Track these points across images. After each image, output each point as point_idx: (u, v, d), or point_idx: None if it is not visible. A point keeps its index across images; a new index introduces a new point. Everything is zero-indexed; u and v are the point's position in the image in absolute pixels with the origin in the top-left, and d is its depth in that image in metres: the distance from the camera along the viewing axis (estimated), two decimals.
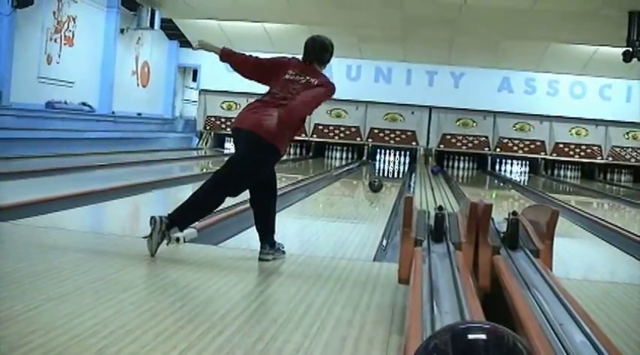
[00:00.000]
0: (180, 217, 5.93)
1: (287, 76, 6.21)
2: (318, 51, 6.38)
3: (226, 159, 6.38)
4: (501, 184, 22.58)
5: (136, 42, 24.29)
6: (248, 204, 6.28)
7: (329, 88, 6.24)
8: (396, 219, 10.03)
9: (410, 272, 4.42)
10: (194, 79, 29.42)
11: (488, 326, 2.41)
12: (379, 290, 5.23)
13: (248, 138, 5.99)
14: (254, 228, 6.20)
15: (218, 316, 4.28)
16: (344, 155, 27.21)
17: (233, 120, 6.48)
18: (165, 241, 5.77)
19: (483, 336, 2.35)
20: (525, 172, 27.34)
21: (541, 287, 3.85)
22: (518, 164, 27.76)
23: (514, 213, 4.91)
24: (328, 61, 6.51)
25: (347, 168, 22.64)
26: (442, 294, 3.55)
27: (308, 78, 6.19)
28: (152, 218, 5.78)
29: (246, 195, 6.17)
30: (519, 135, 27.04)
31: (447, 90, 26.95)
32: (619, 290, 6.19)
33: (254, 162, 6.04)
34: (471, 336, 2.37)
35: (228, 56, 6.64)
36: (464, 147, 27.22)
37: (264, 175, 6.15)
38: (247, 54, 6.62)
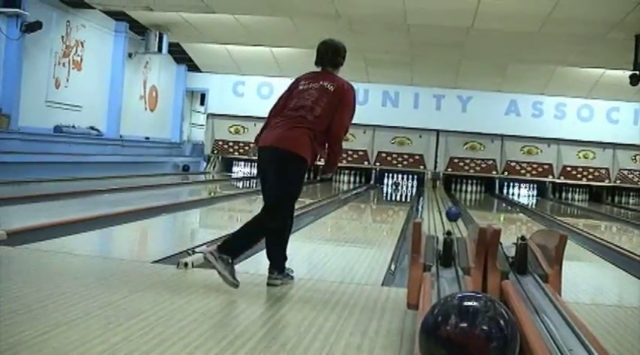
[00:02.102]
0: (230, 246, 5.86)
1: (300, 87, 6.19)
2: (331, 55, 6.34)
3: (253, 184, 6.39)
4: (509, 208, 22.53)
5: (143, 66, 24.40)
6: None
7: (349, 91, 6.17)
8: (404, 243, 10.02)
9: (419, 297, 4.42)
10: (202, 103, 29.50)
11: (480, 295, 3.22)
12: (388, 315, 5.22)
13: (273, 156, 5.96)
14: (262, 252, 6.19)
15: (227, 341, 4.27)
16: (352, 179, 27.21)
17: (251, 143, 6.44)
18: (221, 265, 5.71)
19: (476, 303, 3.08)
20: (533, 195, 27.32)
21: (550, 313, 3.84)
22: (525, 187, 27.75)
23: (522, 238, 4.90)
24: (341, 64, 6.42)
25: (355, 192, 22.63)
26: None
27: (322, 82, 6.13)
28: (205, 257, 5.81)
29: (248, 220, 6.15)
30: (527, 158, 27.04)
31: (455, 114, 26.99)
32: (628, 315, 6.16)
33: (288, 176, 5.99)
34: (466, 302, 3.10)
35: (258, 135, 6.32)
36: (471, 171, 27.22)
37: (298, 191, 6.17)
38: (269, 114, 6.35)
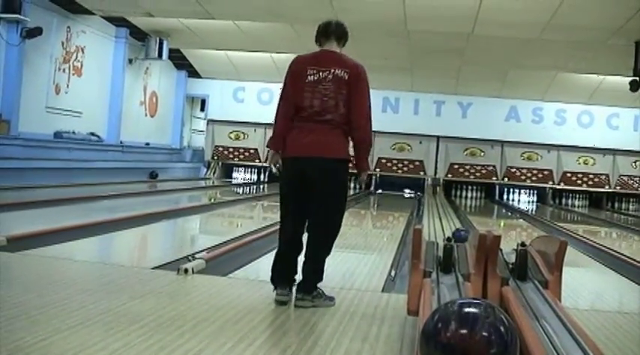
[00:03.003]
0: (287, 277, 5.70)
1: (310, 78, 5.69)
2: (336, 26, 5.95)
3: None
4: (509, 213, 22.53)
5: (144, 72, 24.42)
6: (256, 235, 6.25)
7: (364, 73, 5.84)
8: (404, 249, 10.03)
9: (419, 303, 4.42)
10: (202, 109, 29.51)
11: (481, 301, 3.23)
12: (388, 321, 5.22)
13: (317, 166, 5.63)
14: (263, 258, 6.18)
15: (227, 348, 4.28)
16: (351, 185, 27.18)
17: (273, 148, 5.90)
18: None
19: (476, 309, 3.10)
20: (533, 201, 27.33)
21: (550, 319, 3.84)
22: (526, 193, 27.77)
23: (522, 244, 4.90)
24: (346, 41, 6.06)
25: (355, 197, 22.62)
26: None
27: (333, 69, 5.68)
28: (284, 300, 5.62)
29: (251, 224, 6.15)
30: (527, 164, 27.06)
31: (455, 120, 27.01)
32: (628, 321, 6.16)
33: (338, 186, 5.81)
34: (466, 308, 3.12)
35: (276, 139, 5.86)
36: (472, 177, 27.24)
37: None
38: (279, 110, 5.87)
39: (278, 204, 5.89)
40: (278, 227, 5.96)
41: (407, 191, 24.03)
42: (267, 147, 6.00)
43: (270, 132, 5.98)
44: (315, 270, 5.69)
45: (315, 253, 5.71)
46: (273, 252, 5.91)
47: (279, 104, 5.89)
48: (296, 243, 5.77)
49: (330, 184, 5.70)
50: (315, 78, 5.67)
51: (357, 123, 5.74)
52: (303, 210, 5.74)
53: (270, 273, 5.77)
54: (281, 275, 5.69)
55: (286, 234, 5.78)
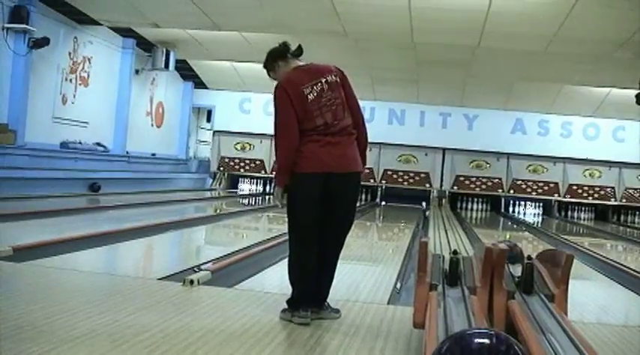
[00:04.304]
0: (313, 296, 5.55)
1: (310, 97, 5.43)
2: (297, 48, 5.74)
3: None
4: (515, 226, 22.49)
5: (150, 83, 24.46)
6: (262, 247, 6.22)
7: (343, 74, 5.67)
8: (409, 261, 10.01)
9: (425, 316, 4.41)
10: (208, 120, 29.55)
11: (492, 332, 2.96)
12: (393, 334, 5.21)
13: (347, 180, 5.52)
14: (269, 269, 6.16)
15: None
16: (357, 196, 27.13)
17: (298, 162, 5.45)
18: None
19: (487, 340, 2.88)
20: (539, 214, 27.30)
21: (556, 333, 3.83)
22: (531, 206, 27.73)
23: (529, 258, 4.90)
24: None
25: (360, 209, 22.61)
26: None
27: (322, 78, 5.50)
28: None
29: (256, 236, 6.13)
30: (533, 176, 27.03)
31: (461, 132, 27.01)
32: (634, 334, 6.14)
33: (356, 198, 5.76)
34: (477, 340, 2.90)
35: (284, 175, 5.46)
36: (477, 189, 27.22)
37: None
38: (282, 142, 5.47)
39: (285, 221, 5.71)
40: (288, 257, 5.62)
41: (424, 204, 24.06)
42: (274, 187, 5.57)
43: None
44: (328, 285, 5.67)
45: (335, 266, 5.68)
46: (279, 264, 5.89)
47: (280, 136, 5.50)
48: (316, 271, 5.55)
49: (355, 197, 5.71)
50: (315, 94, 5.43)
51: (360, 121, 5.68)
52: (320, 233, 5.55)
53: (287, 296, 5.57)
54: (308, 297, 5.47)
55: (307, 269, 5.50)
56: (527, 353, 2.99)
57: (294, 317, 5.36)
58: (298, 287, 5.49)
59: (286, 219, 5.64)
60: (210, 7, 17.40)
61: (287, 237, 5.68)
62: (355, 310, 5.99)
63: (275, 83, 5.63)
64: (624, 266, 11.19)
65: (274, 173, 5.61)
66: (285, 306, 5.52)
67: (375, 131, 25.52)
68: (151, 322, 5.00)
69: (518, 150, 26.87)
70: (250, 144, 26.97)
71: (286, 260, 5.62)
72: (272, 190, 5.48)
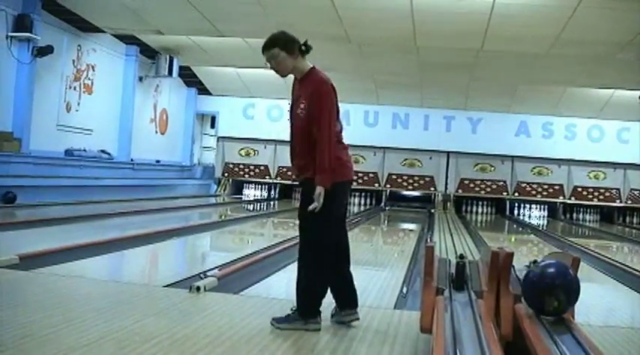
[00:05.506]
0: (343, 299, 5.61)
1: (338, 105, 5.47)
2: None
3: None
4: (520, 229, 22.47)
5: (154, 89, 24.49)
6: (268, 252, 6.21)
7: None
8: (415, 265, 10.01)
9: (432, 321, 4.41)
10: (212, 126, 29.56)
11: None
12: (400, 339, 5.21)
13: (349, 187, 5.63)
14: (274, 276, 6.16)
15: None
16: (362, 201, 27.19)
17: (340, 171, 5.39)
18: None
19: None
20: (544, 216, 27.27)
21: (563, 335, 3.84)
22: (536, 208, 27.70)
23: (535, 262, 4.89)
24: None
25: (365, 214, 22.61)
26: (465, 343, 3.55)
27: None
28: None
29: (262, 242, 6.13)
30: (537, 179, 27.00)
31: (465, 135, 26.98)
32: None
33: None
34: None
35: (331, 172, 5.24)
36: (482, 192, 27.19)
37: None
38: (330, 137, 5.28)
39: (290, 227, 5.70)
40: (315, 266, 5.46)
41: (432, 210, 24.04)
42: (324, 184, 5.17)
43: (280, 149, 5.84)
44: (353, 288, 5.70)
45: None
46: (285, 270, 5.87)
47: (328, 131, 5.27)
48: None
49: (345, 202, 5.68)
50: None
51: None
52: None
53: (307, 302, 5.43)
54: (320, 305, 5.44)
55: (327, 282, 5.56)
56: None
57: (309, 324, 5.32)
58: (317, 299, 5.42)
59: (297, 223, 5.63)
60: (213, 13, 17.42)
61: (291, 243, 5.69)
62: (362, 315, 5.97)
63: (320, 76, 5.62)
64: (630, 268, 11.16)
65: (321, 171, 5.17)
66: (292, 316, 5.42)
67: (379, 135, 25.79)
68: (159, 329, 5.01)
69: (522, 152, 26.85)
70: (255, 150, 26.96)
71: (291, 266, 5.62)
72: (315, 192, 5.13)
